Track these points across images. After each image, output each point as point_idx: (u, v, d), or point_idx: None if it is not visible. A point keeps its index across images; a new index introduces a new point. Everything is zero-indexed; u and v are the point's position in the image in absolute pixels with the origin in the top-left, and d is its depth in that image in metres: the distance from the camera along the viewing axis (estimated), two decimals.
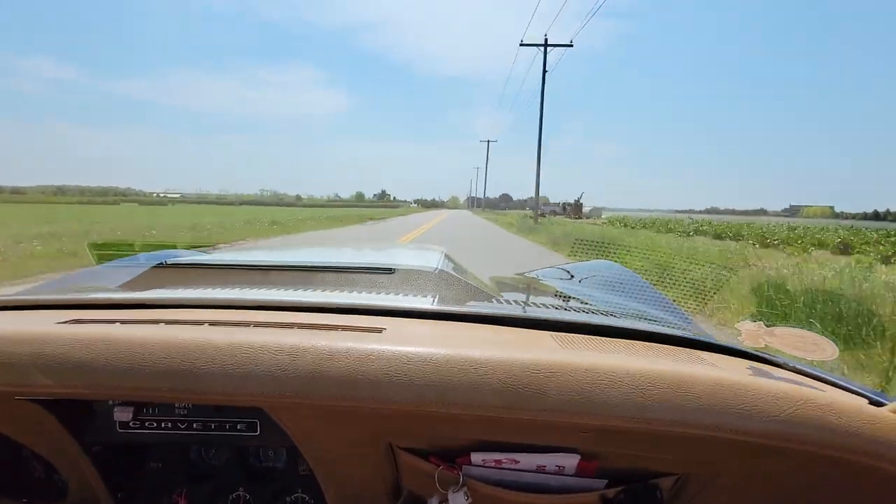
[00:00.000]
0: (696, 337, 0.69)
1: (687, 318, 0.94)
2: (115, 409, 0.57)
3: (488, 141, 69.74)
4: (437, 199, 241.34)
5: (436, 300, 0.78)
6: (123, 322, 0.60)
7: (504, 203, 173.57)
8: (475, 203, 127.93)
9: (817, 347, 0.69)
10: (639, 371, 0.48)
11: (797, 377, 0.60)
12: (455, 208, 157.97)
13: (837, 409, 0.46)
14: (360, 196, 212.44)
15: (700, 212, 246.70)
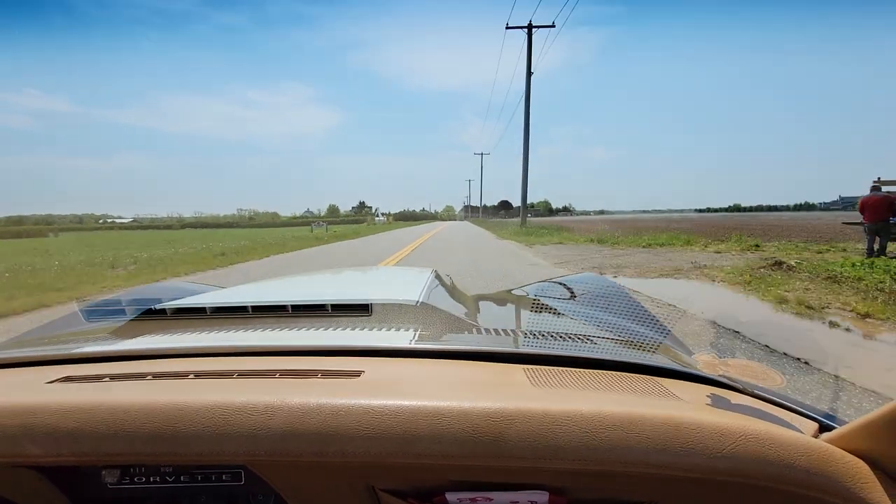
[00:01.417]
0: (662, 365, 0.73)
1: (665, 330, 1.01)
2: (103, 472, 0.60)
3: (482, 154, 74.03)
4: (426, 209, 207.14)
5: (416, 336, 0.82)
6: (112, 377, 0.64)
7: (504, 211, 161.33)
8: (471, 212, 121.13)
9: (767, 377, 0.77)
10: (591, 414, 0.50)
11: (754, 402, 0.64)
12: (450, 219, 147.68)
13: (775, 442, 0.48)
14: (333, 210, 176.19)
15: (709, 210, 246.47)
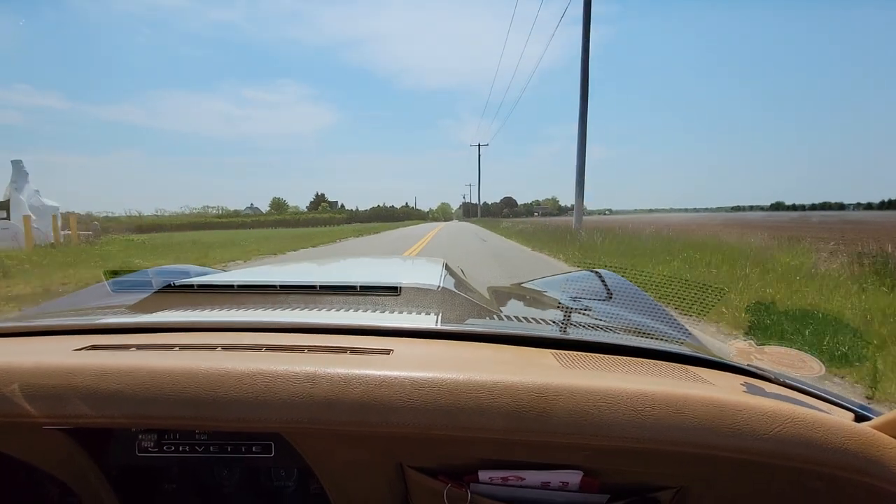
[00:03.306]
0: (692, 353, 0.73)
1: (685, 330, 0.97)
2: (140, 436, 0.61)
3: (479, 145, 63.59)
4: (411, 204, 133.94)
5: (439, 318, 0.83)
6: (139, 347, 0.64)
7: (507, 209, 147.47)
8: (469, 212, 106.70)
9: (805, 364, 0.76)
10: (637, 393, 0.51)
11: (787, 392, 0.64)
12: (445, 219, 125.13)
13: (822, 426, 0.49)
14: (279, 205, 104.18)
15: (739, 209, 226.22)
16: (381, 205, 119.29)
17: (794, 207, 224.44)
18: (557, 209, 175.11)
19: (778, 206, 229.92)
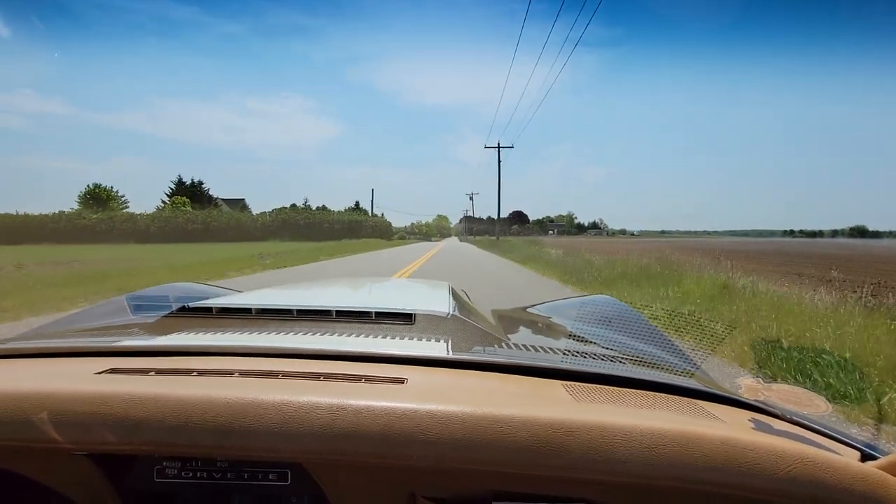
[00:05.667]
0: (701, 388, 0.75)
1: (692, 362, 0.98)
2: (163, 463, 0.63)
3: (498, 146, 40.39)
4: (364, 206, 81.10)
5: (450, 346, 0.86)
6: (158, 372, 0.67)
7: (517, 225, 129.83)
8: (472, 228, 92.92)
9: (812, 403, 0.78)
10: (650, 430, 0.52)
11: (795, 429, 0.66)
12: (439, 236, 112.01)
13: (831, 466, 0.50)
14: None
15: (792, 234, 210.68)
16: (302, 205, 66.83)
17: (818, 234, 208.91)
18: (575, 227, 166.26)
19: (790, 233, 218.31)
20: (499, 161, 41.98)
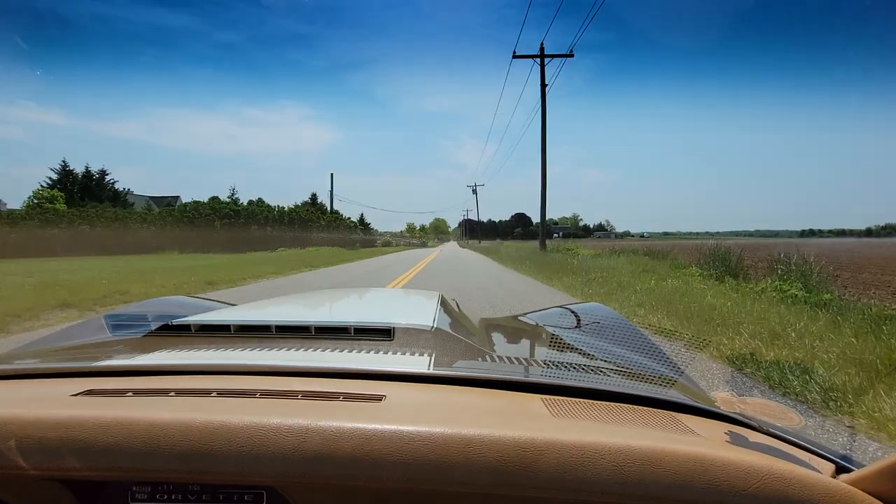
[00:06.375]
0: (680, 400, 0.76)
1: (678, 369, 1.00)
2: (134, 488, 0.62)
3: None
4: (322, 200, 58.08)
5: (432, 361, 0.86)
6: (135, 392, 0.67)
7: (520, 228, 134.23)
8: (472, 232, 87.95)
9: (785, 416, 0.79)
10: (620, 448, 0.52)
11: (770, 441, 0.67)
12: (437, 240, 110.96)
13: (798, 482, 0.50)
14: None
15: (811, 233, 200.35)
16: (228, 198, 47.76)
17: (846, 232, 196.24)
18: (581, 229, 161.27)
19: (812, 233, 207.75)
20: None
